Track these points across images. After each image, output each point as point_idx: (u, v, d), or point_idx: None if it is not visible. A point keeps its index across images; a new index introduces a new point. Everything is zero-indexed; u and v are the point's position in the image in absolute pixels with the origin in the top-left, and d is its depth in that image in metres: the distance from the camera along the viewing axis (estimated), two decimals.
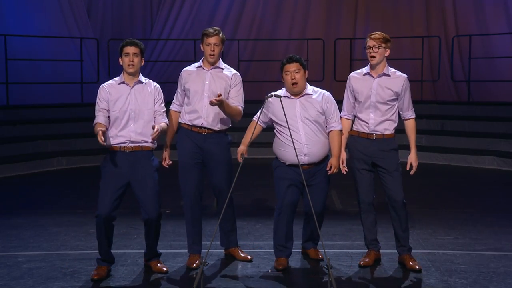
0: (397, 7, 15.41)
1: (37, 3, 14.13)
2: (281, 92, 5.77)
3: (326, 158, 5.77)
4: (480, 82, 14.10)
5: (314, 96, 5.72)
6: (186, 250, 6.00)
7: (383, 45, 5.66)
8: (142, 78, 5.65)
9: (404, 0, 15.42)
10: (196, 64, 5.91)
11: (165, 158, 5.90)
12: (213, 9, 15.76)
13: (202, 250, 5.89)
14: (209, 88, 5.75)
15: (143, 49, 5.63)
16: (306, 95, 5.71)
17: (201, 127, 5.75)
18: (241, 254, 6.05)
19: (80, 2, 14.80)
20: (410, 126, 5.81)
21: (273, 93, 5.34)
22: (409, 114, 5.80)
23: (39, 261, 5.99)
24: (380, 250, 5.98)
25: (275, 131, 5.78)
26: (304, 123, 5.63)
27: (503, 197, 9.15)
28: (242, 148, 5.71)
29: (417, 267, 5.68)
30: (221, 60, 5.87)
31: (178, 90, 5.94)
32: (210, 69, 5.80)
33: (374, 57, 5.65)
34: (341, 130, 5.76)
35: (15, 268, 5.81)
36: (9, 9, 13.70)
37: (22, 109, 12.44)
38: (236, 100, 5.82)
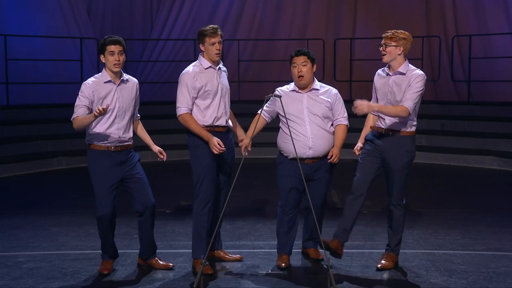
0: (397, 7, 15.41)
1: (37, 3, 14.13)
2: (289, 86, 5.83)
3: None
4: (480, 82, 14.09)
5: (321, 92, 5.79)
6: (186, 250, 5.99)
7: (394, 43, 5.55)
8: (124, 75, 5.65)
9: (404, 0, 15.42)
10: (199, 65, 5.70)
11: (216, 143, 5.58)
12: (213, 9, 15.76)
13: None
14: (223, 86, 5.73)
15: (125, 45, 5.59)
16: (313, 90, 5.77)
17: (223, 126, 5.72)
18: (231, 256, 5.99)
19: (80, 2, 14.80)
20: (396, 107, 5.51)
21: (273, 94, 5.36)
22: (404, 103, 5.48)
23: (39, 261, 5.99)
24: (380, 250, 5.97)
25: (280, 124, 5.81)
26: (310, 117, 5.67)
27: (503, 197, 9.15)
28: (245, 141, 5.73)
29: (385, 265, 5.70)
30: None
31: (189, 91, 5.62)
32: (218, 67, 5.74)
33: (384, 55, 5.62)
34: (347, 126, 5.83)
35: (15, 268, 5.81)
36: (9, 9, 13.70)
37: (22, 109, 12.44)
38: None
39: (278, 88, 5.87)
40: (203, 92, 5.65)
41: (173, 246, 6.49)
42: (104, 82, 5.54)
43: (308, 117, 5.67)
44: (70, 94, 13.84)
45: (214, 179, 5.70)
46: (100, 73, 5.60)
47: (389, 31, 5.67)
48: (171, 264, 5.78)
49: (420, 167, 11.54)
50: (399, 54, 5.58)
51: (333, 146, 5.75)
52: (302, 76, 5.70)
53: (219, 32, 5.68)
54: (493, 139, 11.90)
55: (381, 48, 5.63)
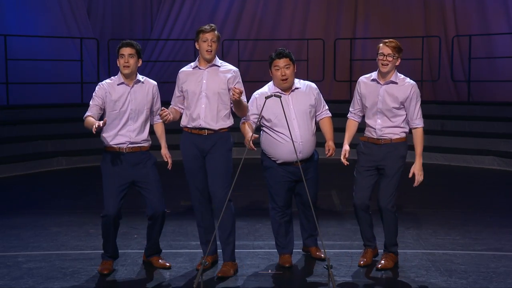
0: (397, 7, 15.40)
1: (37, 3, 14.14)
2: (268, 88, 5.74)
3: (313, 153, 5.79)
4: (480, 82, 14.10)
5: (302, 89, 5.73)
6: (186, 250, 5.99)
7: (397, 54, 5.56)
8: (139, 77, 5.66)
9: (404, 0, 15.42)
10: (192, 64, 5.72)
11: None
12: (213, 9, 15.76)
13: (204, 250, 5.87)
14: (206, 87, 5.59)
15: (140, 49, 5.61)
16: (295, 90, 5.71)
17: (200, 128, 5.62)
18: (231, 271, 5.63)
19: (80, 2, 14.80)
20: (416, 135, 5.66)
21: (273, 94, 5.27)
22: (416, 123, 5.65)
23: (39, 261, 5.99)
24: (380, 250, 5.97)
25: (264, 128, 5.71)
26: (298, 119, 5.62)
27: (503, 197, 9.15)
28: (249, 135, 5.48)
29: (385, 265, 5.70)
30: (217, 57, 5.70)
31: (176, 91, 5.77)
32: (207, 68, 5.63)
33: (386, 65, 5.55)
34: (331, 117, 5.84)
35: (15, 268, 5.81)
36: (9, 9, 13.70)
37: (22, 109, 12.44)
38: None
39: (257, 91, 5.74)
40: (184, 93, 5.69)
41: (173, 246, 6.49)
42: (118, 85, 5.59)
43: (296, 119, 5.61)
44: (70, 94, 13.96)
45: (197, 181, 5.67)
46: (116, 75, 5.66)
47: (392, 40, 5.62)
48: (168, 264, 5.80)
49: None
50: (396, 65, 5.62)
51: (326, 143, 5.75)
52: (286, 79, 5.61)
53: (216, 33, 5.61)
54: (493, 139, 11.89)
55: (383, 58, 5.55)
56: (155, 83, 5.74)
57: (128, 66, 5.53)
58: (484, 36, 14.34)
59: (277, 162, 5.69)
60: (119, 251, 5.87)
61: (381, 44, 5.63)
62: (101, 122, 5.23)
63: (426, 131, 12.26)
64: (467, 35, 14.07)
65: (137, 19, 15.91)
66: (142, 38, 15.54)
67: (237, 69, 5.75)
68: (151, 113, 5.70)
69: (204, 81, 5.61)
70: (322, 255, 5.96)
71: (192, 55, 13.97)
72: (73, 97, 13.57)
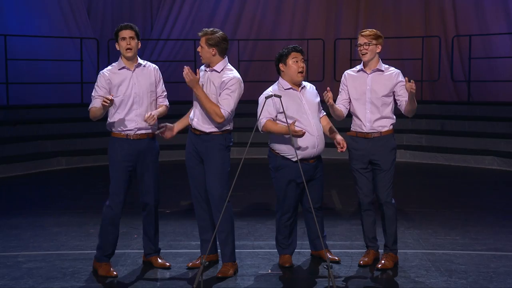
0: (397, 7, 15.42)
1: (37, 3, 14.14)
2: (273, 87, 5.71)
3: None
4: (480, 82, 14.10)
5: (308, 89, 5.77)
6: (186, 250, 5.98)
7: (374, 41, 5.65)
8: (140, 60, 5.67)
9: (404, 0, 15.43)
10: None
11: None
12: (213, 9, 15.77)
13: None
14: (204, 90, 5.54)
15: (138, 31, 5.63)
16: (304, 87, 5.74)
17: (194, 128, 5.63)
18: (231, 271, 5.61)
19: (80, 2, 14.81)
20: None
21: (273, 94, 5.25)
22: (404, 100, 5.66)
23: (39, 261, 5.99)
24: (380, 250, 5.97)
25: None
26: (312, 114, 5.64)
27: (503, 197, 9.14)
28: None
29: (385, 265, 5.70)
30: (225, 61, 5.56)
31: None
32: (209, 71, 5.60)
33: (365, 54, 5.66)
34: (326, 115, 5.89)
35: (15, 268, 5.81)
36: (9, 9, 13.71)
37: (22, 109, 12.44)
38: (223, 103, 5.44)
39: (266, 91, 5.68)
40: None
41: (173, 246, 6.49)
42: (119, 69, 5.59)
43: (310, 114, 5.63)
44: (70, 94, 13.95)
45: (195, 179, 5.68)
46: (117, 62, 5.66)
47: (368, 30, 5.75)
48: (167, 264, 5.79)
49: (420, 167, 11.55)
50: (377, 52, 5.69)
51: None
52: (303, 72, 5.63)
53: (207, 37, 5.48)
54: (493, 139, 11.90)
55: (361, 47, 5.67)
56: (156, 66, 5.75)
57: (131, 49, 5.54)
58: (483, 36, 14.35)
59: (294, 159, 5.61)
60: (120, 251, 5.87)
61: (358, 36, 5.76)
62: (109, 96, 5.26)
63: (426, 131, 12.46)
64: (467, 35, 14.08)
65: (137, 19, 15.88)
66: (142, 38, 15.51)
67: (235, 76, 5.49)
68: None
69: (205, 83, 5.61)
70: (337, 258, 5.93)
71: (192, 55, 13.97)
72: (73, 97, 13.57)
